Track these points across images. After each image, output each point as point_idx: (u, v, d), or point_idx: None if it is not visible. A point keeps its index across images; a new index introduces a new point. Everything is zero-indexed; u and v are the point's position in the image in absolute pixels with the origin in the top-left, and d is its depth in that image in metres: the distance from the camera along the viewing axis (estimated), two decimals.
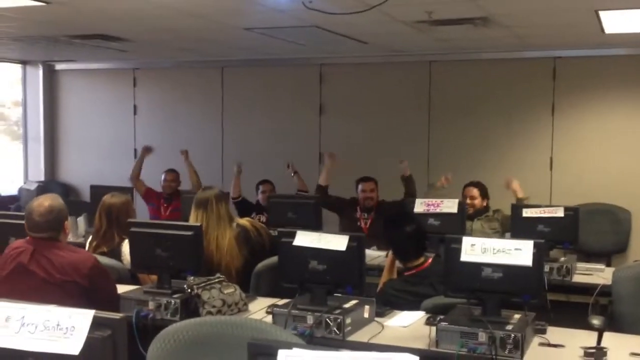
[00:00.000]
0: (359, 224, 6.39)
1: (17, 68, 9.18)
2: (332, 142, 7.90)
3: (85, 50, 7.47)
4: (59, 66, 9.19)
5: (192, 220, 4.34)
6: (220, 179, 8.22)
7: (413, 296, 3.75)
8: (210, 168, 8.24)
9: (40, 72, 9.15)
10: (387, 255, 5.41)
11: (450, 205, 5.18)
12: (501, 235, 5.83)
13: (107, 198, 4.54)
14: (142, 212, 7.47)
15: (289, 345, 1.67)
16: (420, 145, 7.57)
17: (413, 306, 3.63)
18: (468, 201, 5.96)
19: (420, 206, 5.25)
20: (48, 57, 8.68)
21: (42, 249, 3.35)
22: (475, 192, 6.06)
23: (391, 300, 3.78)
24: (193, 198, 4.59)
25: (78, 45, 7.15)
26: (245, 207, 6.81)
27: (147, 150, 7.51)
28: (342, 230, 6.50)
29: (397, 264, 4.20)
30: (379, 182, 6.55)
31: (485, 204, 6.09)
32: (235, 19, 5.61)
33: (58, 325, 1.84)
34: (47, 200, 3.45)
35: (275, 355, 1.64)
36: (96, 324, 1.84)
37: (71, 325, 1.83)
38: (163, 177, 7.26)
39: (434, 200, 5.25)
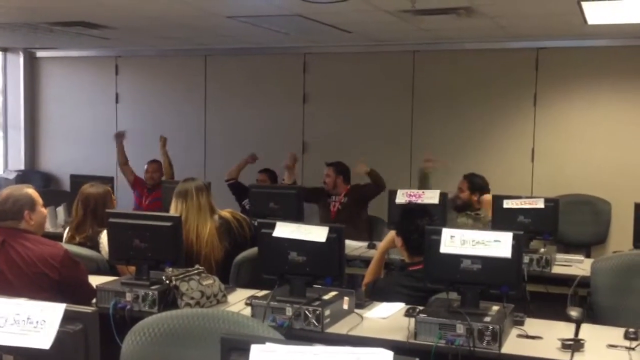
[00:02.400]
0: (330, 208, 6.52)
1: None
2: (316, 131, 7.89)
3: (67, 37, 7.39)
4: (40, 53, 9.09)
5: (172, 211, 4.32)
6: (202, 167, 8.19)
7: (418, 291, 3.61)
8: (193, 156, 8.21)
9: (21, 59, 9.03)
10: (369, 247, 5.48)
11: (431, 196, 5.19)
12: None
13: (86, 188, 4.50)
14: (125, 201, 7.43)
15: (262, 340, 1.66)
16: (403, 135, 7.57)
17: (417, 302, 3.51)
18: (458, 193, 5.95)
19: (401, 197, 5.26)
20: (29, 44, 8.58)
21: (9, 240, 3.32)
22: (463, 184, 5.96)
23: (390, 295, 3.67)
24: (174, 188, 4.56)
25: (59, 33, 7.07)
26: (239, 191, 6.84)
27: (119, 136, 7.45)
28: (320, 218, 6.55)
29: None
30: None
31: (475, 198, 5.92)
32: (217, 7, 5.56)
33: (28, 318, 1.82)
34: (7, 190, 3.47)
35: (248, 349, 1.63)
36: (67, 317, 1.82)
37: (42, 319, 1.81)
38: (145, 168, 7.21)
39: (415, 191, 5.26)
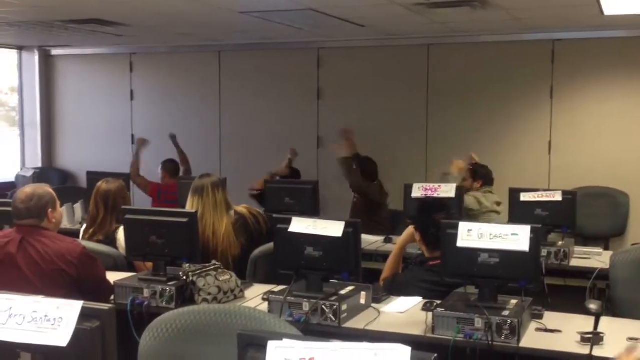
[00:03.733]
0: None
1: (13, 54, 9.12)
2: (330, 126, 7.86)
3: (81, 35, 7.42)
4: (55, 51, 9.13)
5: (189, 207, 4.32)
6: (218, 164, 8.20)
7: (439, 286, 3.55)
8: (208, 152, 8.22)
9: (37, 57, 9.09)
10: (385, 241, 5.46)
11: (447, 190, 5.16)
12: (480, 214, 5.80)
13: (102, 184, 4.50)
14: (140, 197, 7.45)
15: (279, 336, 1.64)
16: (418, 129, 7.54)
17: (438, 297, 3.46)
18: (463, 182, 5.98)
19: (418, 191, 5.24)
20: (44, 42, 8.62)
21: (28, 238, 3.33)
22: (467, 173, 6.07)
23: (411, 290, 3.64)
24: (189, 184, 4.56)
25: (73, 31, 7.10)
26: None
27: (142, 142, 7.40)
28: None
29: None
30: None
31: (479, 185, 6.03)
32: (230, 3, 5.56)
33: (46, 316, 1.82)
34: (30, 188, 3.46)
35: (265, 346, 1.62)
36: (85, 315, 1.82)
37: (59, 316, 1.81)
38: (161, 168, 7.14)
39: (431, 185, 5.23)
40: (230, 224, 4.33)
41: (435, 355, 1.58)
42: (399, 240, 4.15)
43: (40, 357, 1.84)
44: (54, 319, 1.81)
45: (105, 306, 1.90)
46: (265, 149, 7.38)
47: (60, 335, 1.79)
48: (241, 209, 4.55)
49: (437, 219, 3.70)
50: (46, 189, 3.51)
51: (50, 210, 3.43)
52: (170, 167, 7.08)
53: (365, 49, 7.74)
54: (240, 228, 4.40)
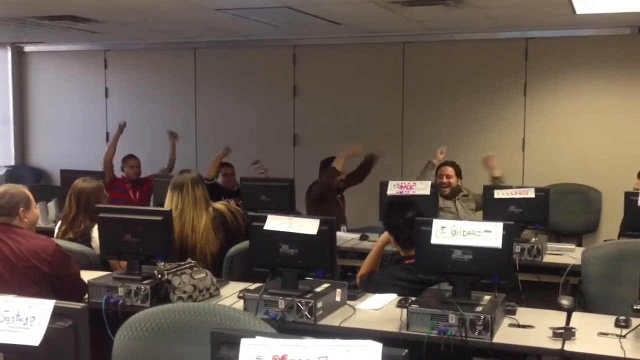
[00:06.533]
0: (339, 204, 6.48)
1: None
2: (306, 124, 7.88)
3: (55, 31, 7.34)
4: (28, 48, 9.04)
5: (167, 203, 4.30)
6: (194, 161, 8.16)
7: (414, 284, 3.55)
8: (183, 150, 8.16)
9: (9, 54, 8.99)
10: (361, 238, 5.48)
11: (423, 187, 5.19)
12: (476, 213, 5.90)
13: (79, 182, 4.48)
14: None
15: (252, 334, 1.65)
16: (394, 126, 7.57)
17: (414, 295, 3.43)
18: (444, 180, 6.00)
19: (393, 188, 5.25)
20: (16, 38, 8.52)
21: (1, 235, 3.32)
22: (450, 170, 6.09)
23: (387, 288, 3.65)
24: (165, 182, 4.54)
25: (47, 27, 7.03)
26: (215, 192, 6.74)
27: (122, 128, 7.41)
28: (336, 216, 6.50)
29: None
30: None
31: (459, 183, 6.14)
32: None
33: (18, 315, 1.81)
34: (3, 187, 3.48)
35: (238, 343, 1.63)
36: (57, 314, 1.82)
37: (31, 315, 1.80)
38: (125, 163, 7.13)
39: (406, 183, 5.25)
40: (209, 220, 4.31)
41: (407, 350, 1.60)
42: (379, 239, 4.16)
43: (12, 357, 1.83)
44: (26, 318, 1.80)
45: (77, 305, 1.90)
46: (241, 146, 7.35)
47: (32, 334, 1.79)
48: (220, 205, 4.54)
49: (407, 218, 3.73)
50: (21, 189, 3.50)
51: (22, 209, 3.41)
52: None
53: (341, 47, 7.75)
54: (219, 225, 4.39)
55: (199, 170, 6.61)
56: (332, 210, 6.23)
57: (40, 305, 1.81)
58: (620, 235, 5.27)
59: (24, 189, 3.52)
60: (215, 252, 4.29)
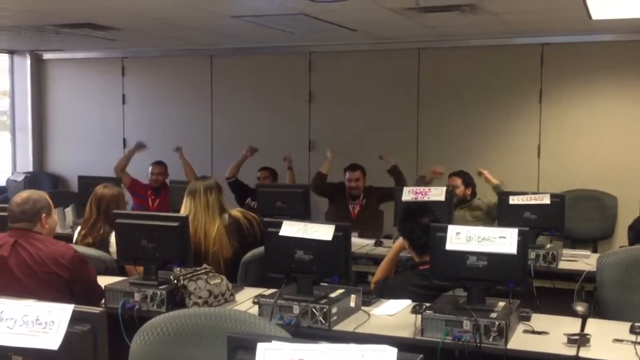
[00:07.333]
0: (349, 208, 6.46)
1: (5, 58, 9.11)
2: (322, 130, 7.90)
3: (73, 39, 7.43)
4: (47, 55, 9.13)
5: (183, 209, 4.39)
6: (209, 167, 8.21)
7: (429, 290, 3.55)
8: (200, 156, 8.22)
9: (28, 61, 9.08)
10: (375, 244, 5.49)
11: (437, 194, 5.20)
12: (484, 221, 5.90)
13: (100, 188, 4.57)
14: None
15: (268, 338, 1.67)
16: (409, 132, 7.58)
17: (429, 301, 3.42)
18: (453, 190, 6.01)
19: (408, 194, 5.27)
20: (36, 46, 8.62)
21: (21, 241, 3.35)
22: (457, 181, 6.16)
23: (402, 294, 3.66)
24: (182, 188, 4.60)
25: (65, 35, 7.11)
26: (239, 190, 6.85)
27: (140, 147, 7.47)
28: (330, 215, 6.56)
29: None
30: (368, 169, 6.62)
31: (469, 192, 6.17)
32: (222, 7, 5.58)
33: (37, 319, 1.84)
34: (26, 193, 3.52)
35: (254, 348, 1.65)
36: (76, 318, 1.84)
37: (50, 319, 1.83)
38: (150, 169, 7.20)
39: (421, 189, 5.27)
40: (223, 226, 4.35)
41: (422, 356, 1.61)
42: (394, 245, 4.17)
43: None
44: (46, 322, 1.83)
45: (96, 309, 1.92)
46: (257, 153, 7.40)
47: (51, 338, 1.81)
48: (236, 212, 4.58)
49: (422, 223, 3.74)
50: (43, 195, 3.55)
51: (44, 215, 3.45)
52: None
53: (357, 53, 7.77)
54: (234, 232, 4.43)
55: (215, 177, 6.71)
56: (340, 215, 6.33)
57: (59, 310, 1.84)
58: (629, 239, 5.23)
59: (45, 195, 3.56)
60: (228, 257, 4.32)
